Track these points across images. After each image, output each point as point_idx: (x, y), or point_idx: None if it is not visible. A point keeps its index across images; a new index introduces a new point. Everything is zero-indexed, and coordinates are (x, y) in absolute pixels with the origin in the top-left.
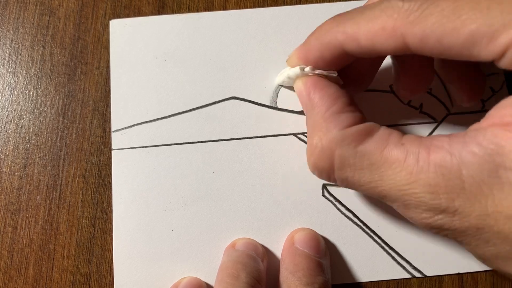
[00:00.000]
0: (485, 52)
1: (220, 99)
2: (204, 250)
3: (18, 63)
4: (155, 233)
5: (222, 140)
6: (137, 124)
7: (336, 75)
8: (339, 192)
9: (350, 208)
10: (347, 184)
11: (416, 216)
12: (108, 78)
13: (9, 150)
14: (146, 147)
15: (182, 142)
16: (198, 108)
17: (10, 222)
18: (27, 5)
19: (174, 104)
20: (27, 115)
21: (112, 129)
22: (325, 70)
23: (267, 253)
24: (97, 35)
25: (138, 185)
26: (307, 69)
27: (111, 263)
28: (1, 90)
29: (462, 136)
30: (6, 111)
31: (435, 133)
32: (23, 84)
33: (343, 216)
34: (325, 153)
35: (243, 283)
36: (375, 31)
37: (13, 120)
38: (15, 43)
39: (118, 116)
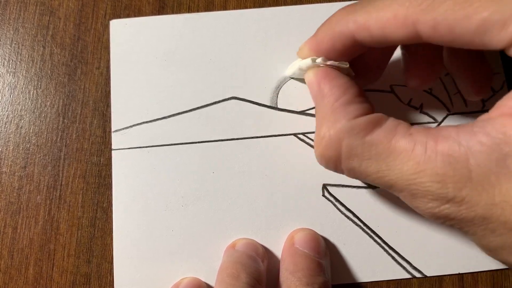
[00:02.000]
0: (496, 39)
1: (220, 99)
2: (204, 250)
3: (18, 63)
4: (155, 233)
5: (222, 140)
6: (137, 124)
7: (348, 66)
8: (339, 192)
9: (350, 208)
10: (354, 174)
11: (422, 205)
12: (108, 78)
13: (9, 150)
14: (146, 147)
15: (182, 142)
16: (198, 108)
17: (10, 222)
18: (27, 5)
19: (174, 104)
20: (27, 115)
21: (112, 129)
22: (336, 61)
23: (267, 253)
24: (97, 35)
25: (138, 185)
26: (319, 60)
27: (111, 263)
28: (1, 90)
29: (471, 126)
30: (6, 111)
31: None
32: (23, 84)
33: (343, 216)
34: (332, 143)
35: (243, 284)
36: (386, 19)
37: (13, 120)
38: (15, 43)
39: (118, 116)
